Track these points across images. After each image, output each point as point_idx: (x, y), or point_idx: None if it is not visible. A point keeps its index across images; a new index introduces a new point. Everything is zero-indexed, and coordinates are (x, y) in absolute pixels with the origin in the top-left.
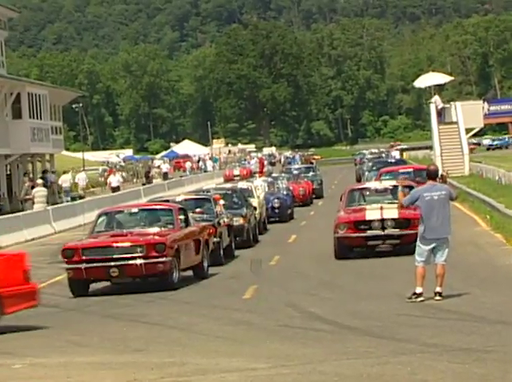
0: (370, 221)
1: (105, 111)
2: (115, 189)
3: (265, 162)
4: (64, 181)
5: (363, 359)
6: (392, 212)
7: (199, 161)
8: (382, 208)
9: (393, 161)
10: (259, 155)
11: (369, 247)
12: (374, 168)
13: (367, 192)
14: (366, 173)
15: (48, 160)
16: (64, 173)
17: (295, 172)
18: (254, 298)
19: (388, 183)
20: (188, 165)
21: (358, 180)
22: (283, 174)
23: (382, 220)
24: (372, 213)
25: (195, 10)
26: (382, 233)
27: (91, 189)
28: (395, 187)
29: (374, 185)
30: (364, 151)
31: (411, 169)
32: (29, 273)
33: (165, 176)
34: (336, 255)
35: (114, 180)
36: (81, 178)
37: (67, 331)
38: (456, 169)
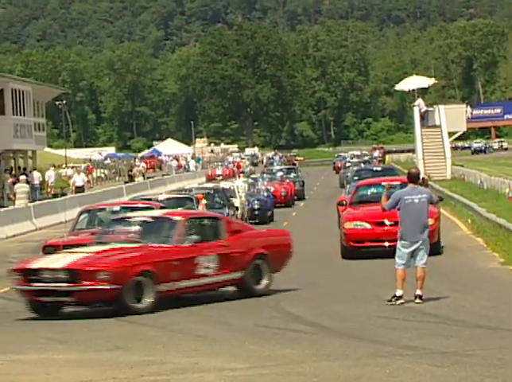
0: (37, 271)
1: (88, 109)
2: (79, 189)
3: (247, 162)
4: (34, 178)
5: (342, 360)
6: (62, 260)
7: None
8: (71, 253)
9: (379, 169)
10: (237, 159)
11: (44, 304)
12: (356, 177)
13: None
14: (348, 183)
15: (31, 156)
16: (34, 170)
17: (277, 173)
18: (234, 299)
19: (144, 215)
20: (174, 163)
21: (343, 186)
22: (264, 175)
23: (53, 270)
24: (47, 260)
25: (180, 9)
26: (51, 287)
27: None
28: (144, 223)
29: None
30: (343, 154)
31: (397, 182)
32: None
33: (143, 175)
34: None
35: (79, 179)
36: (51, 175)
37: (46, 328)
38: (438, 172)
